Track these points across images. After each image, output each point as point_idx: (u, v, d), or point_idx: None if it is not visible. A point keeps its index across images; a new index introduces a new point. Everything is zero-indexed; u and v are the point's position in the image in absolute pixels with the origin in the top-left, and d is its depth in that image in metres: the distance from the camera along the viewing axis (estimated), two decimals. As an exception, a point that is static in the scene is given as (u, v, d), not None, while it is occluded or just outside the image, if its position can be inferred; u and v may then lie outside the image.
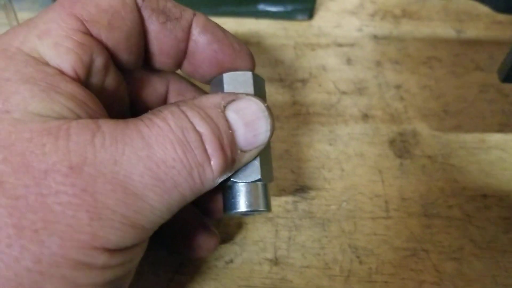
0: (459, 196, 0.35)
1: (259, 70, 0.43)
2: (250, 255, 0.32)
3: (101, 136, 0.20)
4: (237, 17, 0.48)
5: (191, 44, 0.27)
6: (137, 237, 0.21)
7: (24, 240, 0.19)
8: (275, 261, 0.32)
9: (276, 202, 0.35)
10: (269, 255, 0.32)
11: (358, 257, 0.32)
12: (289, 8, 0.47)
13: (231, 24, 0.48)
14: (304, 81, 0.43)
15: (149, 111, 0.23)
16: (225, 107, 0.24)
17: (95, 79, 0.24)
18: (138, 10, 0.25)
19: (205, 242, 0.29)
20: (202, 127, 0.22)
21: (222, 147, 0.23)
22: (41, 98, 0.20)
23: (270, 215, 0.34)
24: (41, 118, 0.20)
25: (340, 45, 0.46)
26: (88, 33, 0.23)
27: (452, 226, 0.34)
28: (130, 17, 0.25)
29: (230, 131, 0.23)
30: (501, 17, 0.50)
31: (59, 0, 0.24)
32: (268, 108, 0.25)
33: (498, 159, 0.38)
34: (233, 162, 0.24)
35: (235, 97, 0.24)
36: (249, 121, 0.24)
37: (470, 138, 0.39)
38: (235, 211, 0.26)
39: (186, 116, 0.22)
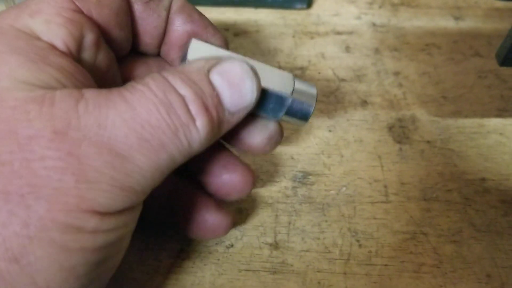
0: (458, 180, 0.35)
1: (258, 59, 0.43)
2: (250, 240, 0.32)
3: (84, 102, 0.20)
4: (236, 6, 0.48)
5: (168, 23, 0.27)
6: (127, 200, 0.21)
7: (11, 204, 0.19)
8: (275, 245, 0.32)
9: (276, 188, 0.35)
10: (269, 240, 0.32)
11: (357, 240, 0.32)
12: (288, -4, 0.48)
13: (230, 13, 0.48)
14: (303, 69, 0.43)
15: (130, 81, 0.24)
16: (209, 70, 0.24)
17: (87, 56, 0.24)
18: None
19: (221, 222, 0.29)
20: (184, 90, 0.22)
21: (206, 108, 0.22)
22: (29, 67, 0.21)
23: (270, 200, 0.34)
24: (27, 87, 0.20)
25: (338, 33, 0.46)
26: (78, 11, 0.24)
27: (451, 210, 0.34)
28: None
29: (215, 93, 0.23)
30: (500, 3, 0.50)
31: None
32: (253, 69, 0.25)
33: (497, 143, 0.38)
34: (220, 123, 0.24)
35: (218, 60, 0.24)
36: (234, 83, 0.24)
37: (469, 123, 0.39)
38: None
39: (168, 81, 0.22)
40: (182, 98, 0.22)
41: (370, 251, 0.32)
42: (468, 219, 0.33)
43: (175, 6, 0.27)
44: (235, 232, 0.32)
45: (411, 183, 0.35)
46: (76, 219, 0.19)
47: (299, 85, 0.28)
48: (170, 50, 0.28)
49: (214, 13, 0.47)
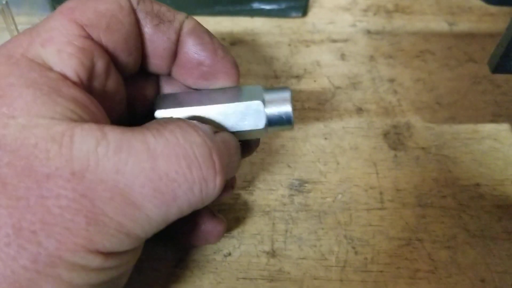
0: (453, 186, 0.36)
1: (254, 68, 0.44)
2: (248, 248, 0.33)
3: (105, 144, 0.21)
4: (232, 15, 0.49)
5: (178, 45, 0.28)
6: (131, 244, 0.22)
7: (22, 239, 0.19)
8: (272, 253, 0.32)
9: (273, 196, 0.35)
10: (267, 248, 0.33)
11: (353, 247, 0.33)
12: (283, 5, 0.48)
13: (227, 22, 0.48)
14: (299, 77, 0.43)
15: (155, 120, 0.24)
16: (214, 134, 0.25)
17: (97, 83, 0.24)
18: (134, 13, 0.26)
19: (212, 229, 0.30)
20: (211, 143, 0.23)
21: (225, 166, 0.24)
22: (44, 100, 0.21)
23: (267, 208, 0.35)
24: (45, 121, 0.21)
25: (334, 41, 0.47)
26: (89, 37, 0.24)
27: (446, 216, 0.34)
28: (127, 19, 0.25)
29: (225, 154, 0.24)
30: (493, 9, 0.50)
31: (59, 9, 0.25)
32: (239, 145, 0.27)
33: (491, 149, 0.38)
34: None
35: (219, 129, 0.26)
36: (230, 153, 0.25)
37: (463, 129, 0.40)
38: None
39: (197, 132, 0.23)
40: (210, 152, 0.23)
41: (366, 258, 0.32)
42: (463, 225, 0.34)
43: (186, 28, 0.27)
44: (232, 241, 0.33)
45: (406, 189, 0.36)
46: (82, 259, 0.20)
47: (270, 93, 0.28)
48: (181, 72, 0.29)
49: (211, 23, 0.48)
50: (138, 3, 0.26)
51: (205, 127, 0.25)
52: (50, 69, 0.22)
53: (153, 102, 0.28)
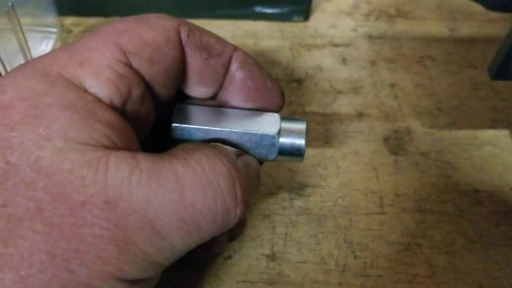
0: (452, 192, 0.36)
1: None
2: (248, 251, 0.33)
3: (138, 173, 0.21)
4: (234, 19, 0.49)
5: (227, 78, 0.28)
6: (153, 272, 0.22)
7: (55, 267, 0.20)
8: (272, 257, 0.32)
9: (273, 200, 0.36)
10: (266, 251, 0.33)
11: (353, 252, 0.33)
12: (285, 9, 0.48)
13: (229, 26, 0.49)
14: (300, 81, 0.44)
15: (180, 145, 0.25)
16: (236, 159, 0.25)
17: (130, 109, 0.24)
18: (181, 46, 0.26)
19: (218, 237, 0.30)
20: (235, 173, 0.23)
21: (245, 195, 0.24)
22: (81, 125, 0.21)
23: (267, 212, 0.35)
24: (81, 147, 0.21)
25: (335, 45, 0.47)
26: (128, 65, 0.24)
27: (445, 221, 0.35)
28: (172, 53, 0.25)
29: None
30: (494, 15, 0.50)
31: (105, 29, 0.25)
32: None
33: (490, 155, 0.39)
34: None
35: (240, 152, 0.26)
36: (250, 177, 0.26)
37: (463, 134, 0.40)
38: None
39: (222, 161, 0.23)
40: (233, 182, 0.23)
41: (365, 262, 0.32)
42: (461, 230, 0.34)
43: (236, 63, 0.27)
44: (233, 244, 0.33)
45: (406, 194, 0.36)
46: (110, 286, 0.20)
47: (287, 124, 0.29)
48: (227, 101, 0.29)
49: (213, 26, 0.48)
50: (188, 36, 0.26)
51: (229, 150, 0.25)
52: (86, 91, 0.22)
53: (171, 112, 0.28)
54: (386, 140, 0.39)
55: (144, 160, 0.22)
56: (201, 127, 0.28)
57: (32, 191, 0.20)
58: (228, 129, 0.28)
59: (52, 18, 0.46)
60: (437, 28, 0.49)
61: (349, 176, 0.37)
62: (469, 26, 0.49)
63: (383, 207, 0.35)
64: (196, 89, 0.28)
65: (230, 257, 0.33)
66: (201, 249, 0.30)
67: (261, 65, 0.29)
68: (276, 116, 0.29)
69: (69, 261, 0.20)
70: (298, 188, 0.36)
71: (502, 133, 0.40)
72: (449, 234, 0.34)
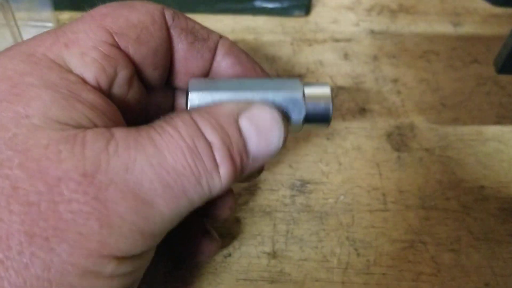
0: (457, 188, 0.35)
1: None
2: (248, 249, 0.32)
3: (114, 143, 0.20)
4: (234, 14, 0.48)
5: (214, 65, 0.27)
6: (145, 244, 0.21)
7: (35, 247, 0.19)
8: (273, 255, 0.32)
9: (274, 196, 0.35)
10: (267, 249, 0.32)
11: (356, 249, 0.32)
12: (286, 4, 0.48)
13: (229, 21, 0.48)
14: (301, 77, 0.43)
15: (161, 117, 0.24)
16: (238, 115, 0.23)
17: (118, 91, 0.24)
18: (167, 28, 0.26)
19: (206, 246, 0.30)
20: (212, 136, 0.22)
21: (231, 156, 0.23)
22: (62, 105, 0.21)
23: (268, 209, 0.34)
24: (60, 126, 0.20)
25: (337, 40, 0.46)
26: (115, 46, 0.24)
27: (450, 218, 0.34)
28: (158, 34, 0.25)
29: (242, 140, 0.23)
30: (498, 10, 0.50)
31: (90, 12, 0.24)
32: (282, 115, 0.24)
33: (496, 151, 0.38)
34: (243, 169, 0.24)
35: (248, 104, 0.24)
36: (262, 130, 0.24)
37: (467, 130, 0.39)
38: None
39: (197, 125, 0.22)
40: (209, 145, 0.22)
41: (368, 260, 0.32)
42: (467, 227, 0.33)
43: (223, 49, 0.27)
44: (233, 242, 0.32)
45: (409, 191, 0.35)
46: (95, 265, 0.20)
47: (310, 88, 0.27)
48: None
49: (212, 21, 0.48)
50: (173, 19, 0.26)
51: (222, 110, 0.23)
52: (70, 71, 0.22)
53: (187, 85, 0.27)
54: (389, 136, 0.39)
55: (119, 132, 0.21)
56: (220, 92, 0.25)
57: (7, 169, 0.19)
58: (251, 92, 0.26)
59: (47, 13, 0.46)
60: (441, 23, 0.48)
61: (351, 173, 0.36)
62: (473, 21, 0.49)
63: (386, 204, 0.34)
64: (183, 77, 0.27)
65: (230, 255, 0.32)
66: (189, 253, 0.30)
67: (247, 53, 0.28)
68: (297, 81, 0.27)
69: (48, 240, 0.19)
70: (300, 184, 0.36)
71: (507, 129, 0.39)
72: (454, 232, 0.33)
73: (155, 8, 0.25)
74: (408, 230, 0.33)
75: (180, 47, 0.26)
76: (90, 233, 0.19)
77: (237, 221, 0.33)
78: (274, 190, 0.35)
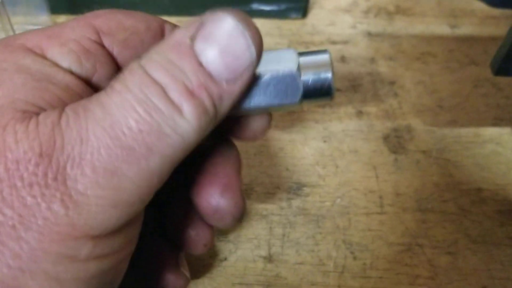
0: (454, 191, 0.35)
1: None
2: (244, 253, 0.32)
3: (65, 116, 0.19)
4: (231, 17, 0.48)
5: None
6: (122, 215, 0.20)
7: (2, 236, 0.18)
8: (269, 258, 0.32)
9: (270, 200, 0.35)
10: (263, 253, 0.32)
11: (352, 253, 0.32)
12: (283, 6, 0.47)
13: (225, 24, 0.48)
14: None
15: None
16: (192, 39, 0.20)
17: (98, 88, 0.23)
18: (163, 36, 0.24)
19: (174, 282, 0.28)
20: (161, 77, 0.20)
21: (191, 92, 0.20)
22: (33, 86, 0.20)
23: (264, 212, 0.34)
24: (26, 107, 0.20)
25: (334, 42, 0.46)
26: (99, 43, 0.23)
27: (447, 221, 0.34)
28: (151, 41, 0.24)
29: (201, 67, 0.20)
30: (496, 11, 0.50)
31: (86, 14, 0.24)
32: (243, 18, 0.20)
33: (493, 153, 0.38)
34: (218, 99, 0.21)
35: (200, 22, 0.20)
36: (223, 45, 0.20)
37: (465, 132, 0.39)
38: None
39: (144, 71, 0.20)
40: (161, 88, 0.20)
41: (365, 264, 0.31)
42: (464, 230, 0.33)
43: None
44: (229, 245, 0.32)
45: (406, 193, 0.35)
46: (69, 248, 0.19)
47: (306, 57, 0.24)
48: None
49: (209, 24, 0.47)
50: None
51: (175, 37, 0.21)
52: (45, 57, 0.22)
53: None
54: (386, 138, 0.38)
55: (71, 104, 0.20)
56: None
57: None
58: None
59: (44, 17, 0.46)
60: (438, 24, 0.48)
61: (348, 176, 0.36)
62: (470, 23, 0.48)
63: (383, 207, 0.34)
64: None
65: (225, 258, 0.32)
66: (184, 243, 0.28)
67: None
68: (291, 51, 0.24)
69: (15, 228, 0.18)
70: (296, 187, 0.35)
71: (505, 131, 0.39)
72: (451, 234, 0.33)
73: (154, 19, 0.25)
74: (405, 233, 0.33)
75: None
76: (57, 217, 0.18)
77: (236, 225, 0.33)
78: (270, 193, 0.35)
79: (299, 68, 0.23)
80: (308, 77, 0.23)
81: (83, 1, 0.47)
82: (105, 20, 0.23)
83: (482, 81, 0.43)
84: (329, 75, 0.23)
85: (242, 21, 0.20)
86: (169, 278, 0.28)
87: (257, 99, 0.23)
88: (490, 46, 0.46)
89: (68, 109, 0.20)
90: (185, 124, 0.20)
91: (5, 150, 0.19)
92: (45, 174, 0.19)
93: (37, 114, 0.19)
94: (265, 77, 0.23)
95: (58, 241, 0.19)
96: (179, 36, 0.20)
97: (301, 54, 0.23)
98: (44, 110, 0.20)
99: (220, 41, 0.20)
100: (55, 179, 0.19)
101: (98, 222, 0.19)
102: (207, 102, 0.20)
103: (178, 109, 0.20)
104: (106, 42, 0.23)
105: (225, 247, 0.32)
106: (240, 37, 0.20)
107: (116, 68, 0.24)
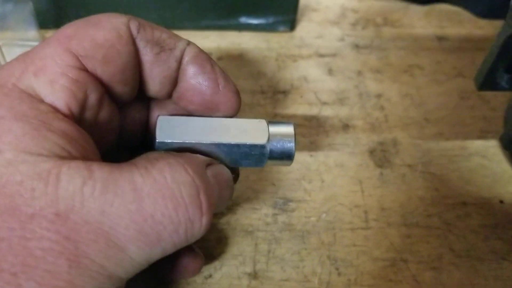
0: (439, 205, 0.35)
1: (241, 83, 0.43)
2: (229, 270, 0.32)
3: (91, 184, 0.20)
4: (219, 30, 0.48)
5: (180, 73, 0.27)
6: (111, 286, 0.21)
7: (2, 282, 0.19)
8: (254, 275, 0.32)
9: (256, 215, 0.35)
10: (248, 269, 0.32)
11: (337, 268, 0.32)
12: (271, 20, 0.48)
13: (214, 37, 0.48)
14: (285, 93, 0.43)
15: (144, 155, 0.24)
16: (206, 168, 0.24)
17: (89, 114, 0.24)
18: (133, 41, 0.25)
19: (190, 264, 0.29)
20: (200, 182, 0.22)
21: (213, 205, 0.23)
22: (33, 136, 0.21)
23: (250, 228, 0.34)
24: (32, 158, 0.20)
25: (321, 55, 0.46)
26: (83, 69, 0.23)
27: (432, 235, 0.34)
28: (125, 49, 0.25)
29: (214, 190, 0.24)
30: (483, 22, 0.50)
31: (55, 35, 0.24)
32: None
33: (479, 166, 0.38)
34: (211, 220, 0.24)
35: (211, 161, 0.26)
36: (221, 187, 0.25)
37: (450, 145, 0.39)
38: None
39: (186, 170, 0.22)
40: (197, 192, 0.22)
41: (349, 279, 0.32)
42: (448, 245, 0.33)
43: (187, 57, 0.27)
44: (214, 262, 0.32)
45: (391, 208, 0.35)
46: None
47: (275, 128, 0.28)
48: (181, 98, 0.28)
49: (198, 37, 0.48)
50: (138, 31, 0.25)
51: (198, 159, 0.24)
52: (41, 101, 0.22)
53: (154, 126, 0.27)
54: (371, 152, 0.39)
55: (99, 170, 0.21)
56: (187, 141, 0.26)
57: None
58: (216, 142, 0.27)
59: (33, 32, 0.46)
60: (425, 36, 0.48)
61: (333, 190, 0.36)
62: (458, 34, 0.49)
63: (368, 222, 0.34)
64: (152, 88, 0.27)
65: (210, 276, 0.32)
66: (172, 271, 0.29)
67: (215, 62, 0.28)
68: (263, 123, 0.28)
69: (17, 276, 0.19)
70: (282, 203, 0.36)
71: (491, 144, 0.39)
72: (436, 249, 0.33)
73: (120, 22, 0.25)
74: (389, 248, 0.33)
75: (146, 59, 0.26)
76: (59, 272, 0.19)
77: (219, 241, 0.33)
78: (256, 208, 0.35)
79: (268, 139, 0.28)
80: (274, 145, 0.28)
81: (71, 16, 0.47)
82: (79, 41, 0.23)
83: (468, 93, 0.43)
84: (292, 144, 0.28)
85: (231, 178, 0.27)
86: (186, 260, 0.29)
87: (232, 161, 0.27)
88: (477, 58, 0.46)
89: (96, 177, 0.20)
90: (198, 230, 0.23)
91: (21, 205, 0.19)
92: (58, 232, 0.20)
93: (50, 171, 0.20)
94: (241, 147, 0.27)
95: None
96: (201, 160, 0.25)
97: (270, 123, 0.28)
98: (49, 158, 0.20)
99: (221, 183, 0.25)
100: (67, 238, 0.20)
101: (92, 286, 0.20)
102: (211, 220, 0.23)
103: (201, 215, 0.23)
104: (88, 66, 0.24)
105: (210, 264, 0.32)
106: (230, 189, 0.27)
107: (103, 88, 0.25)
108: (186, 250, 0.29)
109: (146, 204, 0.21)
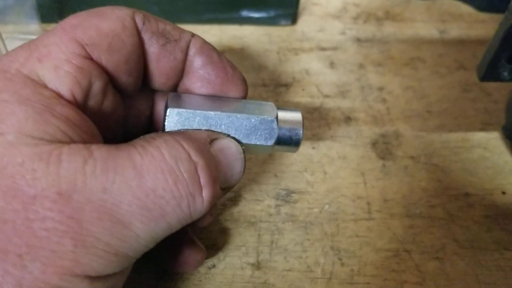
0: (442, 196, 0.35)
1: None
2: (232, 260, 0.32)
3: (92, 163, 0.20)
4: (221, 24, 0.48)
5: (187, 65, 0.27)
6: (119, 265, 0.21)
7: (8, 264, 0.19)
8: (257, 265, 0.32)
9: (259, 207, 0.35)
10: (252, 260, 0.32)
11: (340, 259, 0.32)
12: (272, 13, 0.48)
13: (215, 31, 0.48)
14: (287, 86, 0.43)
15: (142, 136, 0.24)
16: (210, 143, 0.25)
17: (93, 102, 0.24)
18: (138, 33, 0.25)
19: (191, 257, 0.30)
20: (197, 158, 0.23)
21: (214, 179, 0.23)
22: (36, 120, 0.21)
23: (253, 219, 0.34)
24: (34, 141, 0.20)
25: (323, 49, 0.46)
26: (88, 57, 0.23)
27: (435, 226, 0.34)
28: (130, 40, 0.25)
29: (217, 165, 0.24)
30: (484, 16, 0.50)
31: (61, 24, 0.24)
32: (243, 151, 0.26)
33: (481, 158, 0.38)
34: (217, 197, 0.24)
35: (217, 136, 0.26)
36: (229, 161, 0.25)
37: (453, 137, 0.39)
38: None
39: (182, 146, 0.22)
40: (195, 166, 0.22)
41: (352, 270, 0.32)
42: (452, 235, 0.33)
43: (194, 48, 0.27)
44: (217, 253, 0.32)
45: (394, 199, 0.35)
46: (68, 282, 0.20)
47: (283, 112, 0.28)
48: (189, 88, 0.28)
49: (199, 31, 0.47)
50: (143, 23, 0.26)
51: (199, 135, 0.24)
52: (45, 86, 0.22)
53: (166, 99, 0.27)
54: (374, 144, 0.39)
55: (98, 150, 0.21)
56: (198, 111, 0.26)
57: None
58: (227, 113, 0.27)
59: (35, 26, 0.46)
60: (427, 30, 0.48)
61: (336, 182, 0.36)
62: (458, 27, 0.49)
63: (371, 213, 0.34)
64: (158, 79, 0.27)
65: (214, 266, 0.32)
66: (175, 264, 0.30)
67: (220, 52, 0.28)
68: (271, 104, 0.28)
69: (22, 257, 0.19)
70: (285, 194, 0.36)
71: (493, 136, 0.39)
72: (439, 240, 0.33)
73: (125, 13, 0.25)
74: (392, 239, 0.33)
75: (152, 50, 0.26)
76: (64, 251, 0.19)
77: (222, 232, 0.33)
78: (259, 200, 0.35)
79: (277, 118, 0.27)
80: (282, 128, 0.28)
81: (72, 10, 0.47)
82: (84, 30, 0.24)
83: (470, 85, 0.43)
84: (301, 131, 0.28)
85: (243, 151, 0.26)
86: (187, 253, 0.29)
87: (239, 138, 0.27)
88: (479, 51, 0.46)
89: (97, 156, 0.21)
90: (200, 204, 0.23)
91: (22, 186, 0.20)
92: (61, 211, 0.20)
93: (51, 152, 0.20)
94: (251, 120, 0.27)
95: (59, 275, 0.19)
96: (204, 135, 0.25)
97: (278, 108, 0.28)
98: (51, 142, 0.21)
99: (229, 157, 0.25)
100: (70, 217, 0.20)
101: (99, 265, 0.20)
102: (216, 195, 0.24)
103: (201, 189, 0.23)
104: (94, 54, 0.24)
105: (213, 254, 0.32)
106: (240, 162, 0.26)
107: (107, 76, 0.25)
108: (188, 243, 0.30)
109: (146, 180, 0.21)
